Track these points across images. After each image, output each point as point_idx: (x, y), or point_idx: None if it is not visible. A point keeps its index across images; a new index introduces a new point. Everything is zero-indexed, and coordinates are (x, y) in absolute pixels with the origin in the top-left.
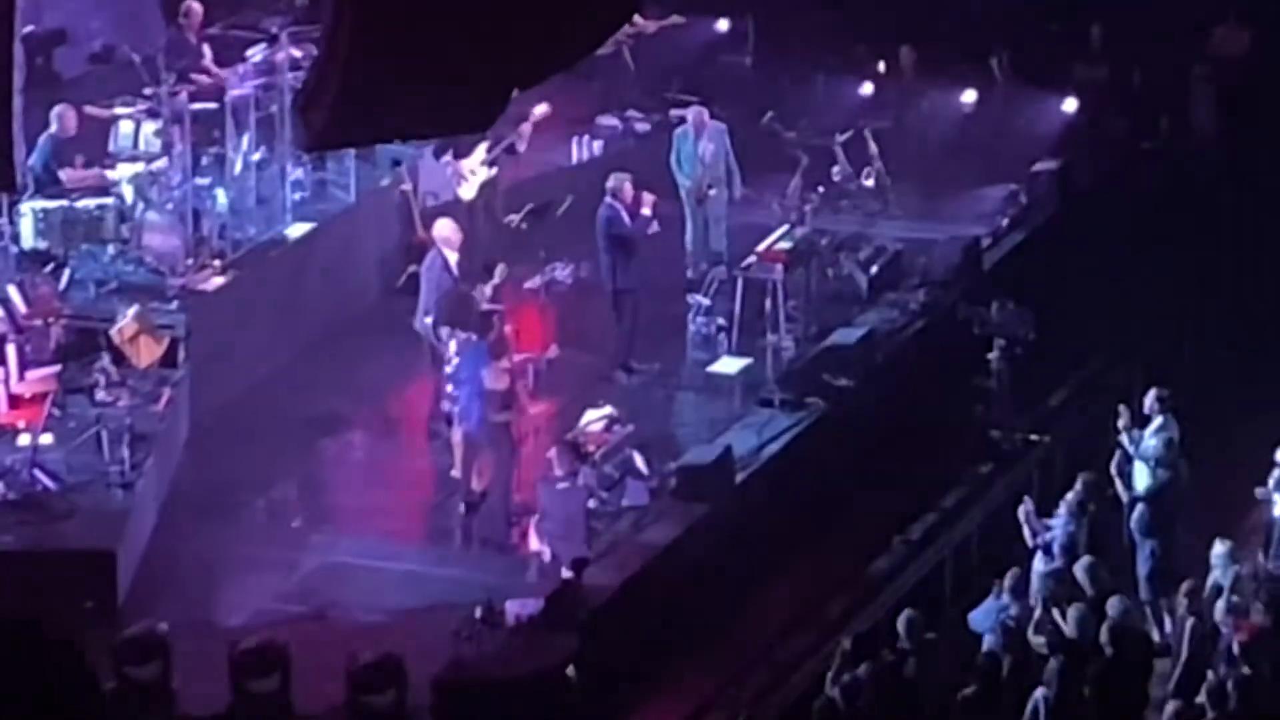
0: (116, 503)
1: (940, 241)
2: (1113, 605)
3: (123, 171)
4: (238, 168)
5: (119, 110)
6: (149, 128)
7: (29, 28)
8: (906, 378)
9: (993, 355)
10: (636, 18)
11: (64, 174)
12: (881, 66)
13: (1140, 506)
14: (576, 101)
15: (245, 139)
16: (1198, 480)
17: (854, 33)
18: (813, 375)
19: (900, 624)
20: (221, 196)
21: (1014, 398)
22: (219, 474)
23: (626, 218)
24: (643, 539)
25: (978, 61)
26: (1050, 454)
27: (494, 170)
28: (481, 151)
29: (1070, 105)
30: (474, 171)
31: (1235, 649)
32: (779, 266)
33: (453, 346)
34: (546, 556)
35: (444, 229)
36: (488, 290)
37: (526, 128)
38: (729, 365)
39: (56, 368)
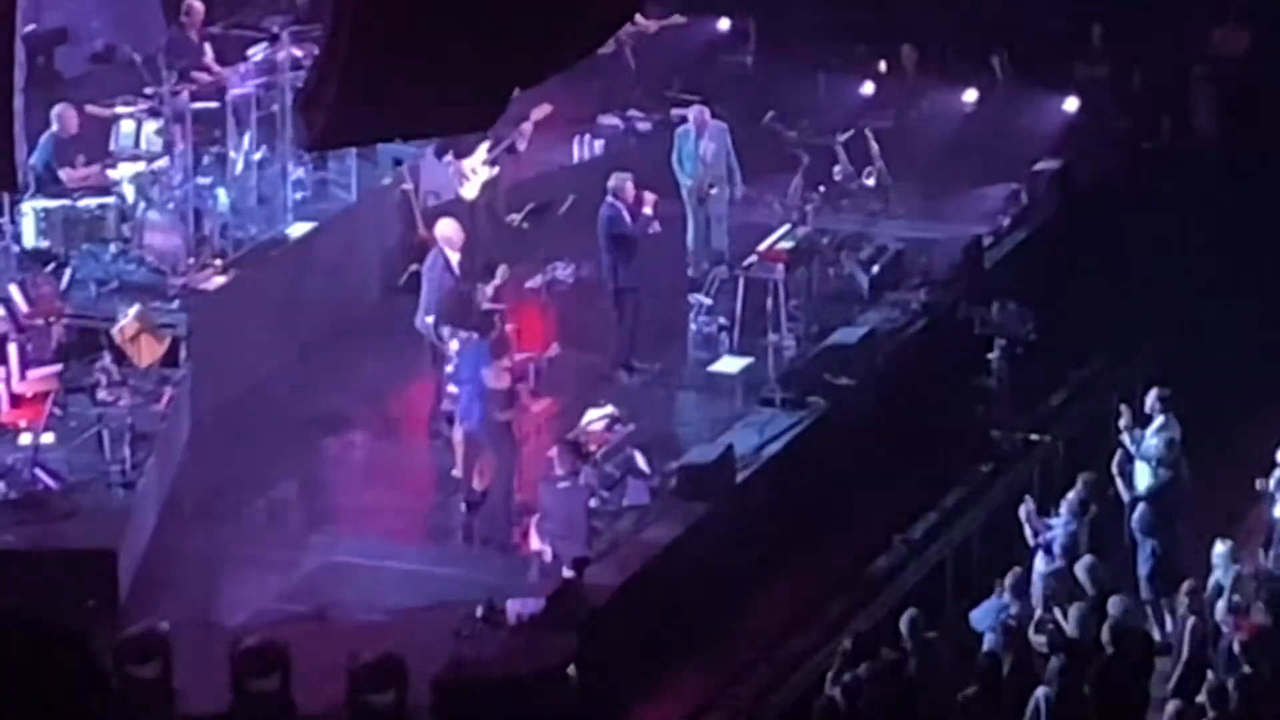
0: (118, 502)
1: (941, 241)
2: (1114, 604)
3: (124, 171)
4: (239, 167)
5: (120, 109)
6: (150, 127)
7: (30, 27)
8: (908, 377)
9: (993, 355)
10: (638, 17)
11: (65, 173)
12: (883, 66)
13: (1141, 506)
14: (578, 101)
15: (246, 138)
16: (1199, 480)
17: (855, 32)
18: (814, 375)
19: (903, 623)
20: (223, 196)
21: (1015, 397)
22: (220, 473)
23: (628, 217)
24: (644, 538)
25: (979, 61)
26: (1051, 454)
27: (496, 170)
28: (483, 151)
29: (1071, 105)
30: (476, 171)
31: (1236, 648)
32: (780, 266)
33: (454, 346)
34: (547, 556)
35: (446, 228)
36: (489, 290)
37: (527, 127)
38: (730, 364)
39: (58, 367)
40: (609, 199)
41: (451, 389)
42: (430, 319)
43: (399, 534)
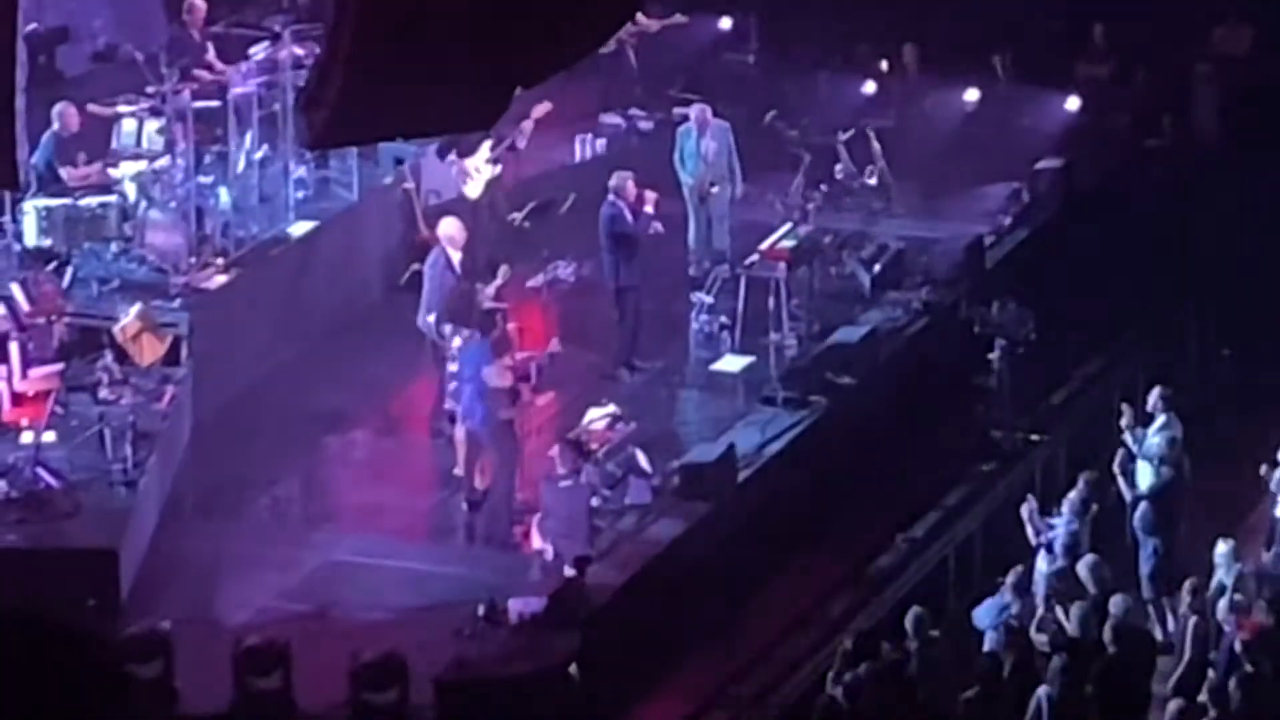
0: (119, 501)
1: (943, 240)
2: (1115, 603)
3: (125, 169)
4: (240, 166)
5: (122, 108)
6: (152, 126)
7: (31, 26)
8: (909, 376)
9: (994, 354)
10: (639, 16)
11: (66, 172)
12: (884, 65)
13: (1143, 505)
14: (579, 100)
15: (248, 137)
16: (1200, 479)
17: (857, 31)
18: (815, 373)
19: (908, 622)
20: (224, 194)
21: (1016, 396)
22: (221, 472)
23: (629, 216)
24: (645, 537)
25: (980, 60)
26: (1052, 453)
27: (498, 169)
28: (486, 150)
29: (1073, 104)
30: (479, 170)
31: (1238, 648)
32: (782, 265)
33: (456, 344)
34: (549, 555)
35: (449, 227)
36: (491, 289)
37: (528, 125)
38: (732, 363)
39: (59, 366)
40: (610, 198)
41: (453, 388)
42: (432, 318)
43: (401, 533)
